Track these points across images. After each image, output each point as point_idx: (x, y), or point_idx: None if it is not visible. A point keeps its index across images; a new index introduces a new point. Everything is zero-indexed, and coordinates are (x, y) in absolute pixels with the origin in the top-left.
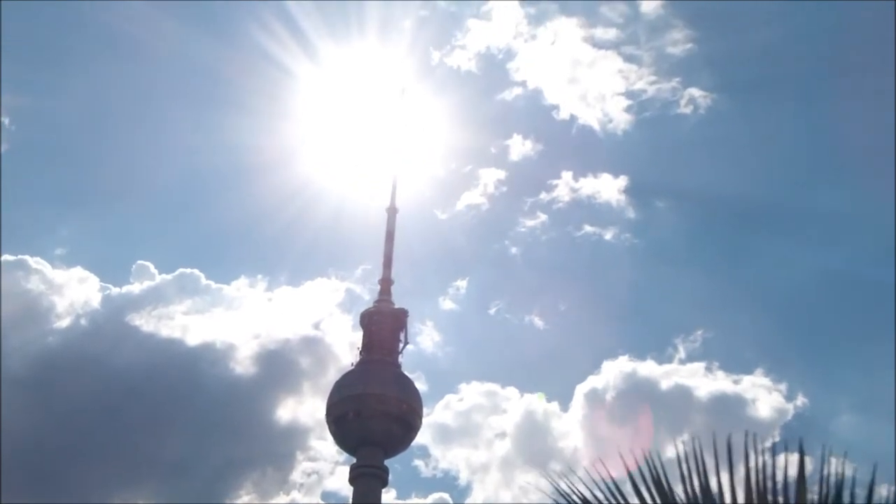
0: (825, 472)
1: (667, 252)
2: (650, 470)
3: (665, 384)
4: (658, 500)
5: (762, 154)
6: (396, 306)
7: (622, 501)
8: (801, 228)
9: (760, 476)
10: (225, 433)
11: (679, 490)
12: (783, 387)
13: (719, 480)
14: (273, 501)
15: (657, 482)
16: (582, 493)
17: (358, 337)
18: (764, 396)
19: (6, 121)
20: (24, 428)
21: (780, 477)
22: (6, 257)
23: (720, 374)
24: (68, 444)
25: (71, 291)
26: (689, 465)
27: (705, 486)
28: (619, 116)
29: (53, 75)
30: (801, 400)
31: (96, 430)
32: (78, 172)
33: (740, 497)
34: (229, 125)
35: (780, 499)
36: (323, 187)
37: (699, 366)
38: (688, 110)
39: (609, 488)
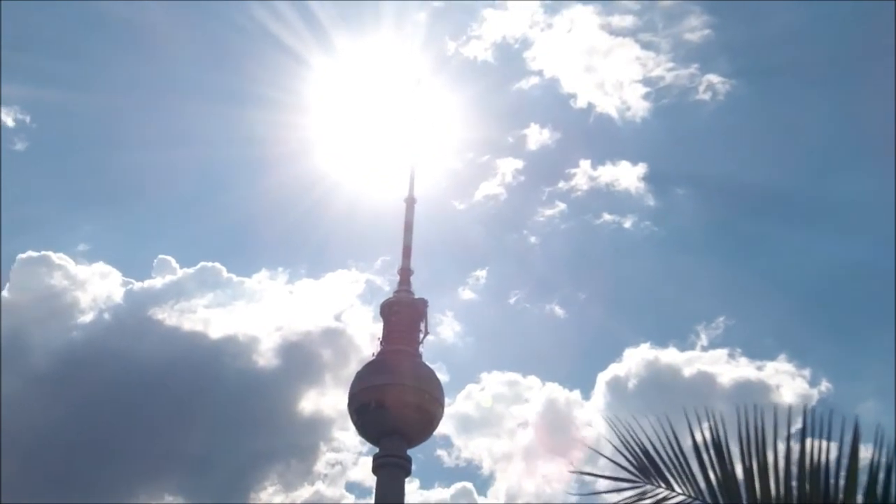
0: (875, 457)
1: (687, 239)
2: (714, 441)
3: (687, 371)
4: (718, 469)
5: (782, 140)
6: (416, 296)
7: (685, 464)
8: (821, 215)
9: (809, 456)
10: (248, 426)
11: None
12: (807, 372)
13: (751, 465)
14: (298, 493)
15: (718, 450)
16: (643, 446)
17: (379, 328)
18: (788, 382)
19: (27, 118)
20: (48, 423)
21: (809, 463)
22: (29, 254)
23: (743, 360)
24: (92, 439)
25: (94, 287)
26: (744, 441)
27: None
28: (637, 104)
29: (72, 72)
30: (825, 385)
31: (120, 424)
32: (98, 168)
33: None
34: (246, 118)
35: (810, 484)
36: (340, 179)
37: (722, 352)
38: (706, 97)
39: (674, 450)
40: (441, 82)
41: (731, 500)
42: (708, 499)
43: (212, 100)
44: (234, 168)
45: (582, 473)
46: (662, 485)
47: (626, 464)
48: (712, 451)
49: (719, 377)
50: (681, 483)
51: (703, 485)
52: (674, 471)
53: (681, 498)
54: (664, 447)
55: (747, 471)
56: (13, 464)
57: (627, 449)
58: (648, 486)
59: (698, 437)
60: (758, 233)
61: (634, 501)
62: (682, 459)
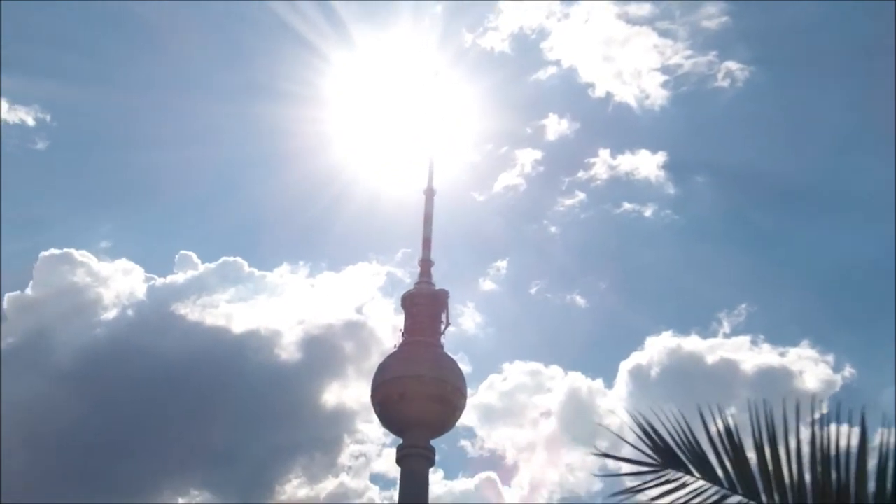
0: (884, 444)
1: (707, 227)
2: (727, 432)
3: (710, 359)
4: (733, 458)
5: (802, 127)
6: (437, 288)
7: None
8: (841, 203)
9: (819, 444)
10: (272, 419)
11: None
12: (830, 358)
13: (763, 454)
14: (322, 485)
15: (732, 441)
16: (662, 436)
17: (400, 320)
18: (811, 368)
19: (48, 117)
20: (73, 420)
21: (833, 448)
22: (52, 251)
23: (766, 346)
24: (117, 436)
25: (116, 283)
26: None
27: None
28: (656, 92)
29: (90, 70)
30: (848, 371)
31: (144, 420)
32: (118, 166)
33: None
34: (265, 113)
35: (834, 471)
36: (359, 172)
37: (744, 339)
38: (725, 84)
39: (691, 439)
40: (459, 74)
41: (746, 486)
42: (725, 485)
43: (230, 95)
44: (253, 163)
45: (604, 456)
46: (682, 471)
47: (648, 451)
48: (727, 442)
49: (742, 364)
50: (699, 470)
51: (720, 472)
52: (692, 458)
53: (700, 483)
54: (683, 436)
55: (761, 459)
56: (39, 461)
57: (648, 437)
58: (670, 472)
59: (713, 429)
60: (778, 220)
61: (655, 486)
62: (699, 448)
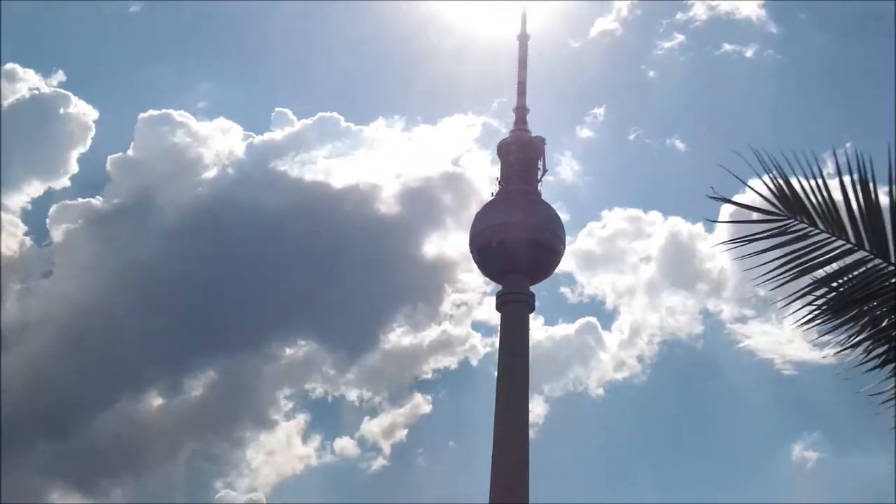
0: None
1: (811, 66)
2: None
3: (814, 199)
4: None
5: None
6: (533, 135)
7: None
8: None
9: None
10: (374, 272)
11: None
12: None
13: None
14: (425, 332)
15: (865, 188)
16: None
17: (497, 171)
18: None
19: None
20: (181, 276)
21: None
22: (151, 113)
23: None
24: (224, 290)
25: (215, 142)
26: None
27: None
28: None
29: None
30: None
31: (250, 275)
32: (210, 26)
33: None
34: None
35: None
36: (450, 18)
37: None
38: None
39: (817, 188)
40: None
41: (876, 243)
42: (852, 240)
43: None
44: (337, 13)
45: (724, 200)
46: (807, 222)
47: (763, 205)
48: (859, 189)
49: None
50: (826, 222)
51: (848, 226)
52: (820, 209)
53: (824, 236)
54: (812, 184)
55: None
56: (151, 317)
57: (774, 182)
58: (793, 223)
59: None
60: (886, 55)
61: (776, 235)
62: (829, 198)
